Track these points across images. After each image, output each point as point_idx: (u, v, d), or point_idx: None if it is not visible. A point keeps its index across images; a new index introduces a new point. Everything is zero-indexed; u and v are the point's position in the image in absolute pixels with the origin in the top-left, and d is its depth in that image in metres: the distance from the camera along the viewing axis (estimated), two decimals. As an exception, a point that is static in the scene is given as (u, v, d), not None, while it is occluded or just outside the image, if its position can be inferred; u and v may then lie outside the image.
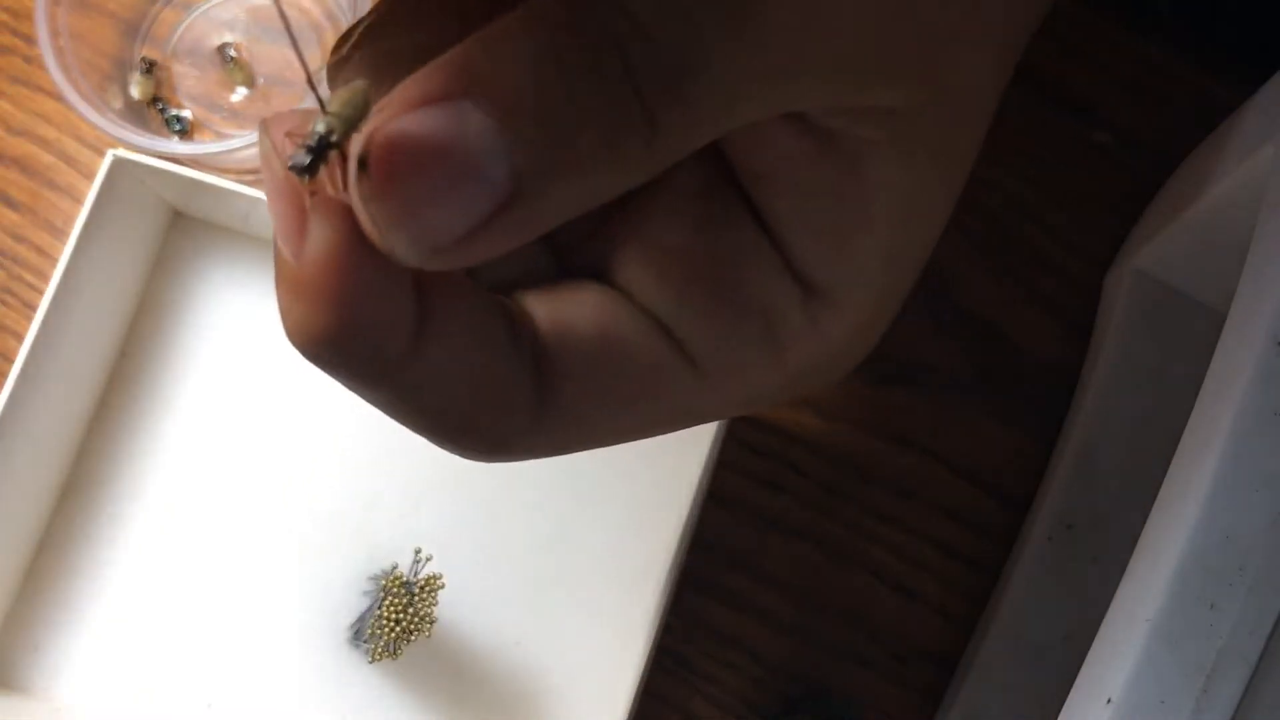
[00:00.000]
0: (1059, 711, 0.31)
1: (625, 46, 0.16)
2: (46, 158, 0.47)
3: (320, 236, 0.17)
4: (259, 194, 0.42)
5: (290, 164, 0.16)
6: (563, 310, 0.21)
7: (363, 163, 0.16)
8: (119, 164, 0.42)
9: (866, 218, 0.21)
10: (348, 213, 0.17)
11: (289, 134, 0.17)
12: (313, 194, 0.17)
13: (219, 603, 0.44)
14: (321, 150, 0.16)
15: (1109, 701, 0.28)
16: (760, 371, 0.22)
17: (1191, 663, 0.27)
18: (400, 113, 0.16)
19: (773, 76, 0.18)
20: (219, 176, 0.42)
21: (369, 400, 0.20)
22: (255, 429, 0.45)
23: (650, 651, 0.41)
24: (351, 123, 0.16)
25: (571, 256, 0.23)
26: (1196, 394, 0.31)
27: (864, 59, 0.19)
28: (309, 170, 0.16)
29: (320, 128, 0.16)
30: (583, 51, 0.16)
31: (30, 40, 0.47)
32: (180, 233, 0.46)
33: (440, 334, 0.19)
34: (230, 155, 0.44)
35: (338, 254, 0.17)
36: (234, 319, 0.46)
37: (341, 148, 0.16)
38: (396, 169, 0.16)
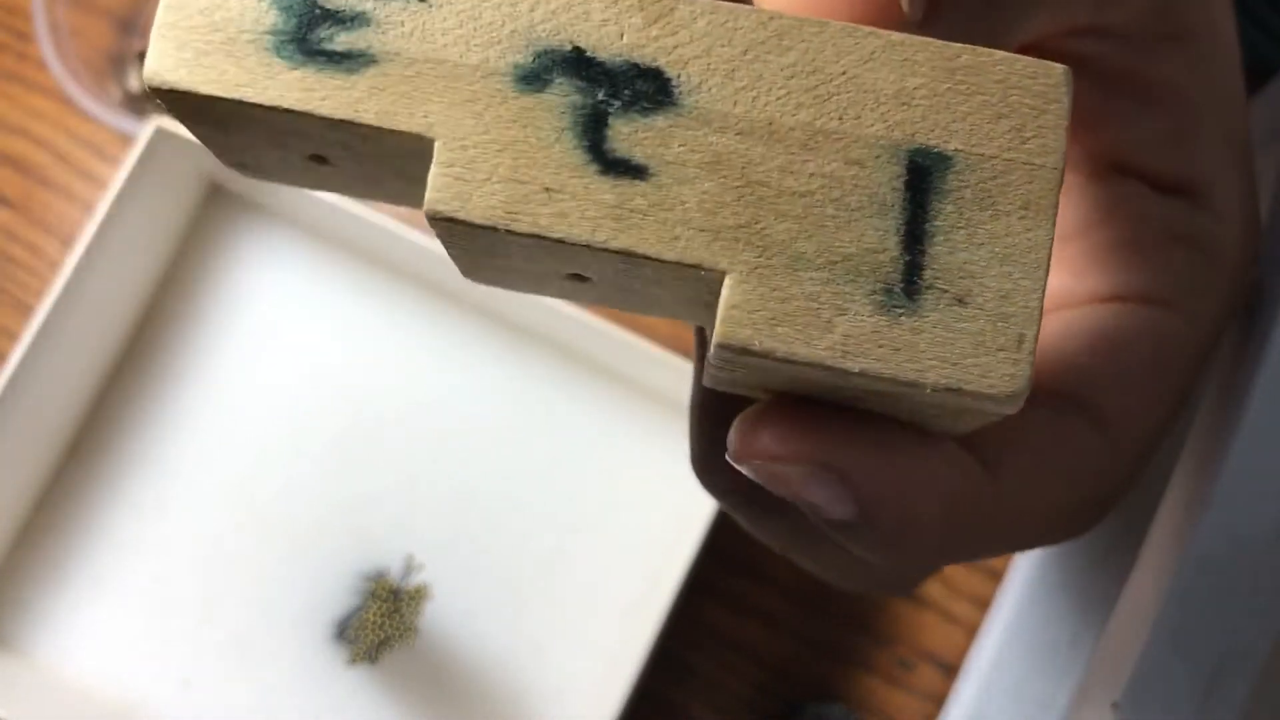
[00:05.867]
0: (1064, 715, 0.31)
1: None
2: (40, 155, 0.47)
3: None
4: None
5: None
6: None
7: None
8: (161, 135, 0.42)
9: (1180, 109, 0.23)
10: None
11: None
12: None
13: (208, 581, 0.44)
14: None
15: (1114, 705, 0.27)
16: (1212, 278, 0.24)
17: (1197, 666, 0.27)
18: None
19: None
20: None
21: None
22: (266, 411, 0.45)
23: (648, 659, 0.40)
24: None
25: None
26: (1203, 392, 0.31)
27: None
28: None
29: None
30: None
31: (23, 37, 0.47)
32: (215, 207, 0.46)
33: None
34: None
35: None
36: (259, 299, 0.46)
37: None
38: None
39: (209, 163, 0.44)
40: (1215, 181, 0.24)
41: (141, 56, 0.47)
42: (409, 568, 0.43)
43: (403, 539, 0.44)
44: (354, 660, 0.42)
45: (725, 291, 0.16)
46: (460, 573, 0.44)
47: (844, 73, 0.16)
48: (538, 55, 0.16)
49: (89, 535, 0.44)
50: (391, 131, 0.16)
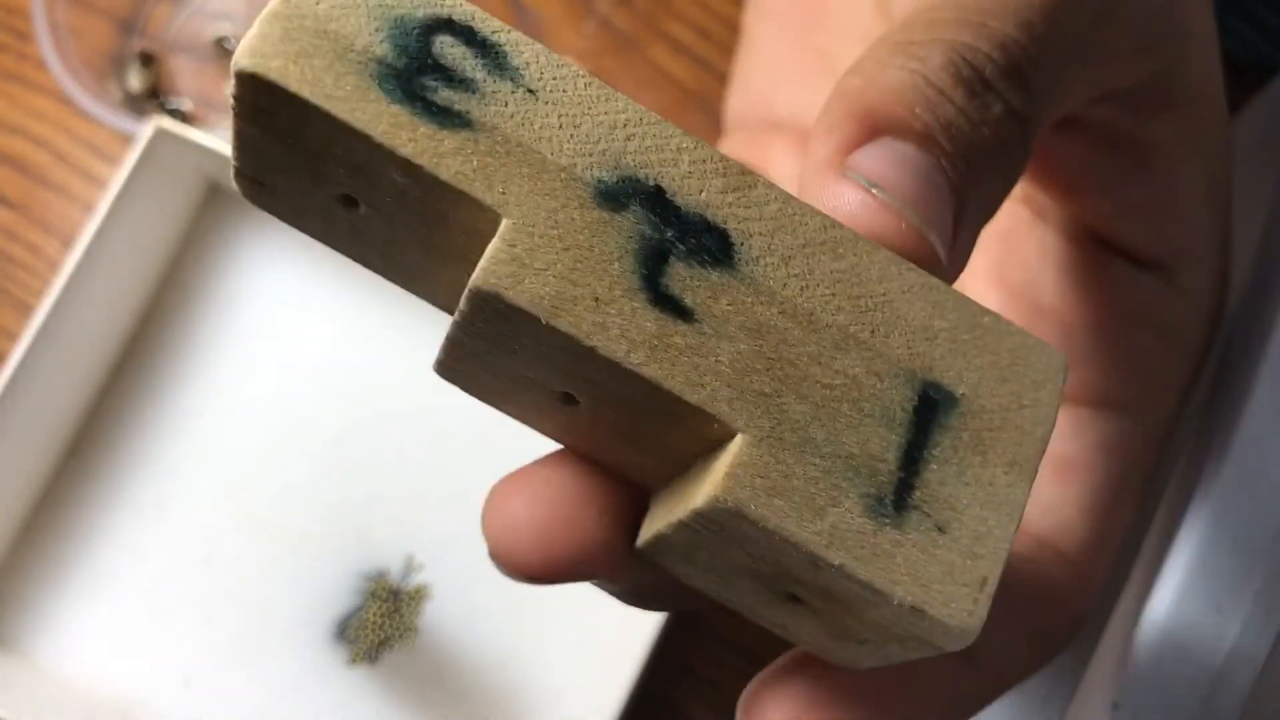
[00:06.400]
0: (1064, 715, 0.31)
1: (981, 71, 0.19)
2: (41, 155, 0.47)
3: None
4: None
5: None
6: None
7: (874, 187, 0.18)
8: (161, 135, 0.42)
9: (1169, 177, 0.24)
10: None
11: None
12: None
13: (208, 581, 0.44)
14: None
15: (1114, 705, 0.27)
16: (1173, 367, 0.26)
17: (1197, 667, 0.27)
18: (845, 155, 0.18)
19: (1069, 67, 0.21)
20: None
21: None
22: (266, 411, 0.45)
23: (648, 659, 0.40)
24: None
25: None
26: (1204, 392, 0.31)
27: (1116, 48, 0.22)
28: None
29: None
30: (958, 84, 0.19)
31: (23, 37, 0.47)
32: (215, 207, 0.46)
33: None
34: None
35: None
36: (260, 299, 0.46)
37: None
38: (906, 185, 0.18)
39: (209, 163, 0.44)
40: (1191, 258, 0.25)
41: (141, 56, 0.47)
42: (409, 568, 0.43)
43: (403, 539, 0.44)
44: (354, 660, 0.42)
45: (734, 450, 0.16)
46: (460, 573, 0.44)
47: (884, 294, 0.17)
48: (622, 179, 0.16)
49: (89, 535, 0.44)
50: (462, 194, 0.16)
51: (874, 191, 0.18)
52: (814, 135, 0.19)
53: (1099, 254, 0.25)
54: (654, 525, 0.18)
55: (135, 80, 0.47)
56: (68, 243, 0.46)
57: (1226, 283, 0.26)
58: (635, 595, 0.22)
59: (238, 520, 0.44)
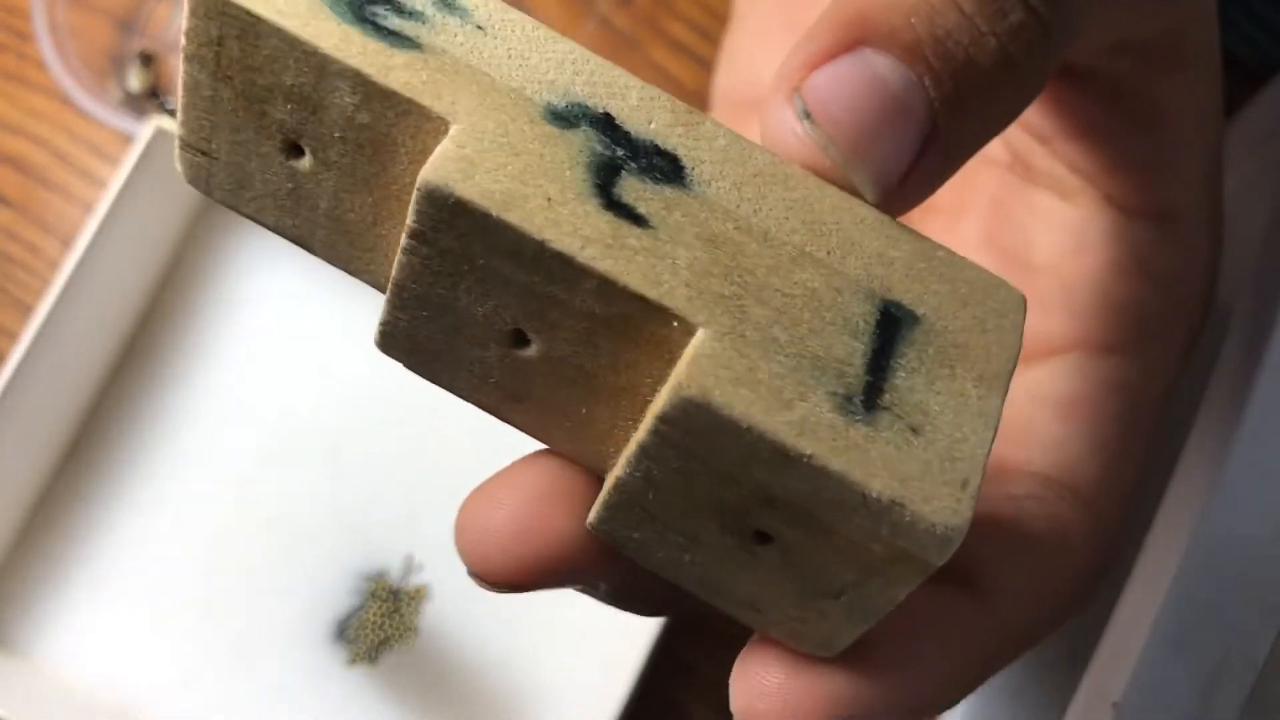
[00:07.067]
0: (1063, 716, 0.31)
1: None
2: (40, 155, 0.47)
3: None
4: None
5: None
6: None
7: (806, 115, 0.17)
8: (161, 135, 0.42)
9: (1173, 134, 0.24)
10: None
11: None
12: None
13: (208, 581, 0.44)
14: None
15: (1114, 705, 0.27)
16: (1173, 318, 0.25)
17: (1197, 667, 0.27)
18: (810, 69, 0.17)
19: None
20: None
21: None
22: (266, 411, 0.45)
23: (648, 659, 0.40)
24: None
25: None
26: (1204, 392, 0.31)
27: None
28: None
29: None
30: None
31: (23, 37, 0.47)
32: (215, 207, 0.46)
33: None
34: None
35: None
36: (260, 299, 0.46)
37: None
38: (841, 116, 0.17)
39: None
40: (1188, 214, 0.25)
41: (142, 56, 0.47)
42: (409, 568, 0.43)
43: (403, 539, 0.44)
44: (354, 660, 0.42)
45: (696, 342, 0.15)
46: (460, 573, 0.43)
47: (837, 223, 0.17)
48: (571, 104, 0.17)
49: (89, 535, 0.44)
50: (411, 103, 0.16)
51: (804, 124, 0.17)
52: (798, 40, 0.18)
53: (1093, 208, 0.25)
54: (608, 482, 0.17)
55: (135, 80, 0.47)
56: (67, 242, 0.46)
57: (1220, 247, 0.26)
58: (624, 597, 0.22)
59: (237, 520, 0.44)
